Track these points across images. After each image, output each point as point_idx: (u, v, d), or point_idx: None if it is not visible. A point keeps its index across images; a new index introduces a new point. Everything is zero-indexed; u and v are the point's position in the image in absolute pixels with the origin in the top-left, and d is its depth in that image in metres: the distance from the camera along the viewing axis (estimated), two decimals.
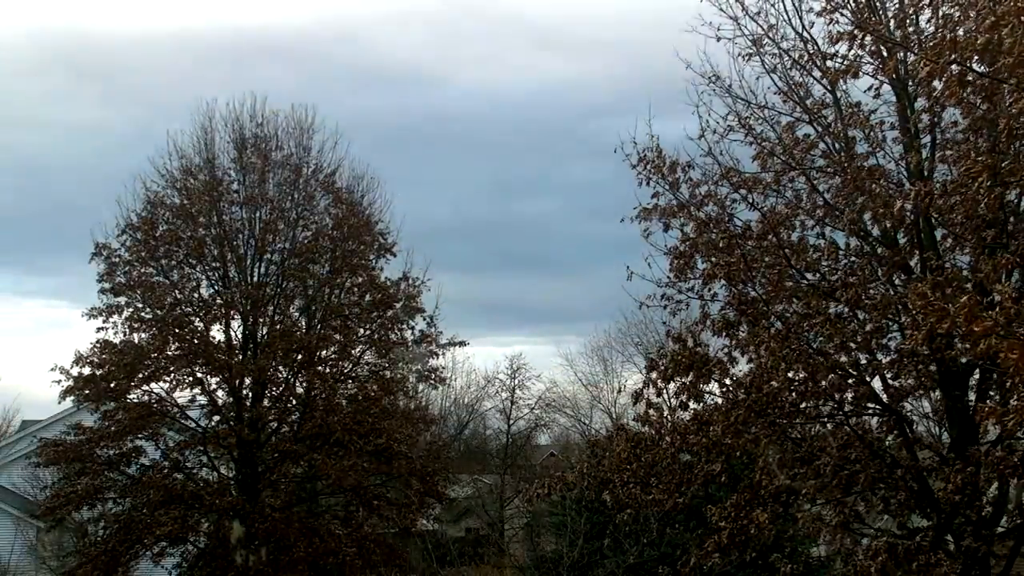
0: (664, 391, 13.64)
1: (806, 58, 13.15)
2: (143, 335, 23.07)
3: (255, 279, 23.80)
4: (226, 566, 23.06)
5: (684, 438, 13.32)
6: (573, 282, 69.13)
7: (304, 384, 24.45)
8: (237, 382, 23.23)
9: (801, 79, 13.26)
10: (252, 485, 23.18)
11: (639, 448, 13.57)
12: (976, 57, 10.14)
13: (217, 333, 23.78)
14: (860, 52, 12.65)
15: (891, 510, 12.22)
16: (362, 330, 24.77)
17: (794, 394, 12.59)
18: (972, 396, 12.13)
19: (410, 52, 65.07)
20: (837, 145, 12.93)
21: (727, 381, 13.04)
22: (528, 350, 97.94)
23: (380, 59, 64.92)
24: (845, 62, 12.75)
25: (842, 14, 12.82)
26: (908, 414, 13.06)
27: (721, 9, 13.45)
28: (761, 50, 13.33)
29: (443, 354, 26.41)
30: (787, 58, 13.24)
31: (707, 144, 13.48)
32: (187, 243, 23.48)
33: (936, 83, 10.97)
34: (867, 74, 12.68)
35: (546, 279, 71.25)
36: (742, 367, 13.03)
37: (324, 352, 24.49)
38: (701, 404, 13.19)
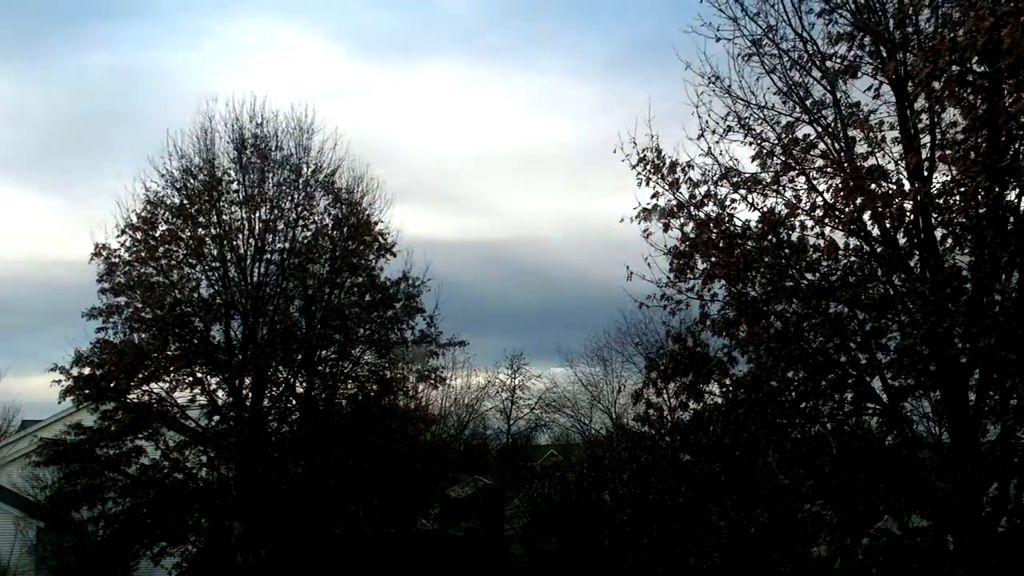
0: (664, 391, 13.67)
1: (806, 58, 13.16)
2: (143, 335, 23.05)
3: (255, 279, 23.77)
4: (226, 566, 23.06)
5: (684, 438, 13.34)
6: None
7: (304, 384, 24.43)
8: (237, 382, 23.21)
9: (801, 79, 13.27)
10: (252, 485, 23.16)
11: (639, 448, 13.60)
12: (976, 57, 10.14)
13: (217, 333, 23.77)
14: (860, 52, 12.67)
15: (891, 510, 12.21)
16: (362, 330, 24.75)
17: (794, 394, 12.60)
18: (972, 396, 12.12)
19: None
20: (837, 145, 12.93)
21: (727, 381, 13.05)
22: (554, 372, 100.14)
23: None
24: (845, 62, 12.76)
25: (841, 14, 12.83)
26: (908, 414, 13.05)
27: (720, 10, 13.48)
28: (761, 50, 13.34)
29: (443, 354, 26.42)
30: (787, 58, 13.26)
31: (707, 144, 13.52)
32: (187, 243, 23.46)
33: (935, 83, 10.97)
34: (867, 74, 12.70)
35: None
36: (742, 367, 13.04)
37: (324, 352, 24.47)
38: (701, 404, 13.21)
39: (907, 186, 12.01)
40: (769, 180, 13.16)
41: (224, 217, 23.85)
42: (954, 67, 10.38)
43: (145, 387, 23.11)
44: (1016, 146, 10.80)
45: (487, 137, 73.53)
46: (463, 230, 69.90)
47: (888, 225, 12.11)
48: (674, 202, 13.47)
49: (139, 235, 23.45)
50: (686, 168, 13.47)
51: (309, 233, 24.46)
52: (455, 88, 73.18)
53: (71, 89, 71.34)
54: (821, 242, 12.54)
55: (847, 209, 12.19)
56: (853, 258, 12.46)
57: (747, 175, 13.32)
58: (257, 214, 23.93)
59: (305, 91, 63.59)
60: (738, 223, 13.09)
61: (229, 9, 76.12)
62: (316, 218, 24.64)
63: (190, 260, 23.67)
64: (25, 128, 69.14)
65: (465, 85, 73.77)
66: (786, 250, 12.53)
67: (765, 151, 13.21)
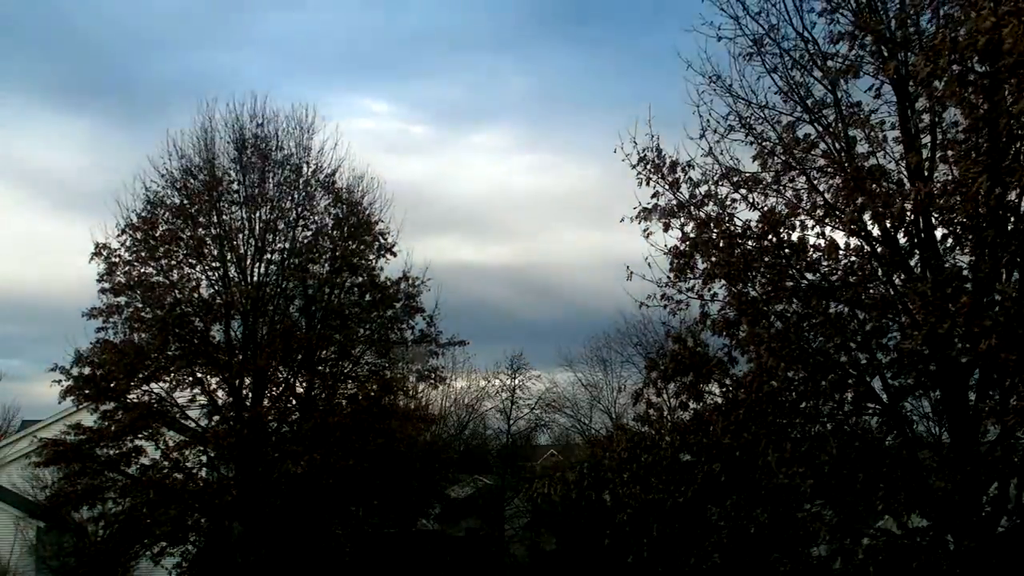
0: (664, 391, 13.66)
1: (807, 58, 13.15)
2: (143, 335, 23.04)
3: (255, 279, 23.77)
4: (226, 566, 23.05)
5: (684, 438, 13.32)
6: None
7: (304, 384, 24.43)
8: (237, 382, 23.21)
9: (802, 79, 13.26)
10: (252, 485, 23.15)
11: (639, 448, 13.58)
12: (977, 57, 10.15)
13: (217, 333, 23.77)
14: (861, 52, 12.67)
15: (891, 510, 12.21)
16: (362, 330, 24.75)
17: (794, 394, 12.59)
18: (972, 396, 12.12)
19: None
20: (837, 145, 12.92)
21: (727, 381, 13.05)
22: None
23: None
24: (846, 62, 12.75)
25: (842, 14, 12.83)
26: (908, 414, 13.05)
27: (722, 8, 13.48)
28: (762, 50, 13.34)
29: (443, 354, 26.43)
30: (788, 58, 13.25)
31: (707, 144, 13.51)
32: (187, 243, 23.46)
33: (936, 83, 10.97)
34: (867, 74, 12.69)
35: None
36: (742, 367, 13.03)
37: (324, 352, 24.46)
38: (701, 404, 13.21)
39: (908, 186, 12.00)
40: (770, 180, 13.16)
41: (224, 217, 23.85)
42: (955, 67, 10.39)
43: (145, 387, 23.12)
44: (1017, 146, 10.80)
45: (527, 180, 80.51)
46: (495, 256, 74.82)
47: (888, 225, 12.10)
48: (674, 202, 13.47)
49: (139, 235, 23.45)
50: (686, 168, 13.47)
51: (309, 233, 24.48)
52: (506, 146, 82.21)
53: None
54: (821, 242, 12.53)
55: (847, 209, 12.18)
56: (853, 258, 12.45)
57: (748, 175, 13.32)
58: (257, 214, 23.93)
59: (378, 146, 71.76)
60: (738, 223, 13.09)
61: (330, 88, 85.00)
62: (316, 218, 24.67)
63: (190, 260, 23.66)
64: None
65: (514, 145, 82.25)
66: (786, 250, 12.52)
67: (766, 151, 13.21)
